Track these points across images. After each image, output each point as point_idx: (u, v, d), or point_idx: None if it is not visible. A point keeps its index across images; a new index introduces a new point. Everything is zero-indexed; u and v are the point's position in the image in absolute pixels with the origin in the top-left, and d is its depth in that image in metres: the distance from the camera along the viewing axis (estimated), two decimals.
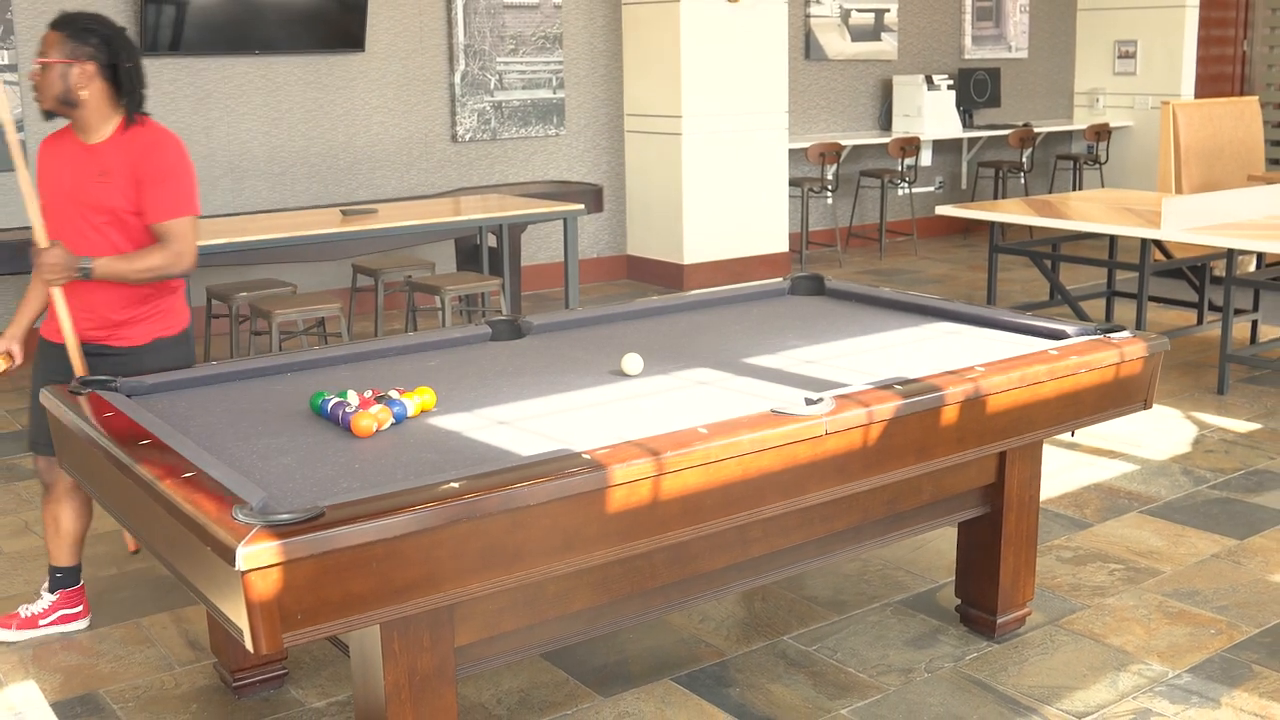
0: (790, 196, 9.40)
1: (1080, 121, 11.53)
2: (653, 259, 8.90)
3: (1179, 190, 7.73)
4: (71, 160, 3.43)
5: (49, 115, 3.47)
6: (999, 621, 3.45)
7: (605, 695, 3.20)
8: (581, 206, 6.65)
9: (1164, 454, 5.02)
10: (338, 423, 2.77)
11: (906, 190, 10.36)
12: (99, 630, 3.62)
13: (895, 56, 10.47)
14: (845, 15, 10.09)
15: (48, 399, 3.00)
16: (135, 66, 3.44)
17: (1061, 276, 6.82)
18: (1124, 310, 7.29)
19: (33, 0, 6.77)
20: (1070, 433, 5.08)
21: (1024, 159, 10.66)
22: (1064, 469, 4.85)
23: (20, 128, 6.76)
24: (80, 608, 3.66)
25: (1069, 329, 3.42)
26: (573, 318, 3.80)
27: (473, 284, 6.04)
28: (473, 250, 7.26)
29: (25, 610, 3.61)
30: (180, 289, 3.62)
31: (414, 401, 2.84)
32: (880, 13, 10.30)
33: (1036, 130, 10.64)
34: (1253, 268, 6.72)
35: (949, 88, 10.24)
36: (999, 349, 3.33)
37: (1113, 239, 6.68)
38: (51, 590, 3.63)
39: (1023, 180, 10.91)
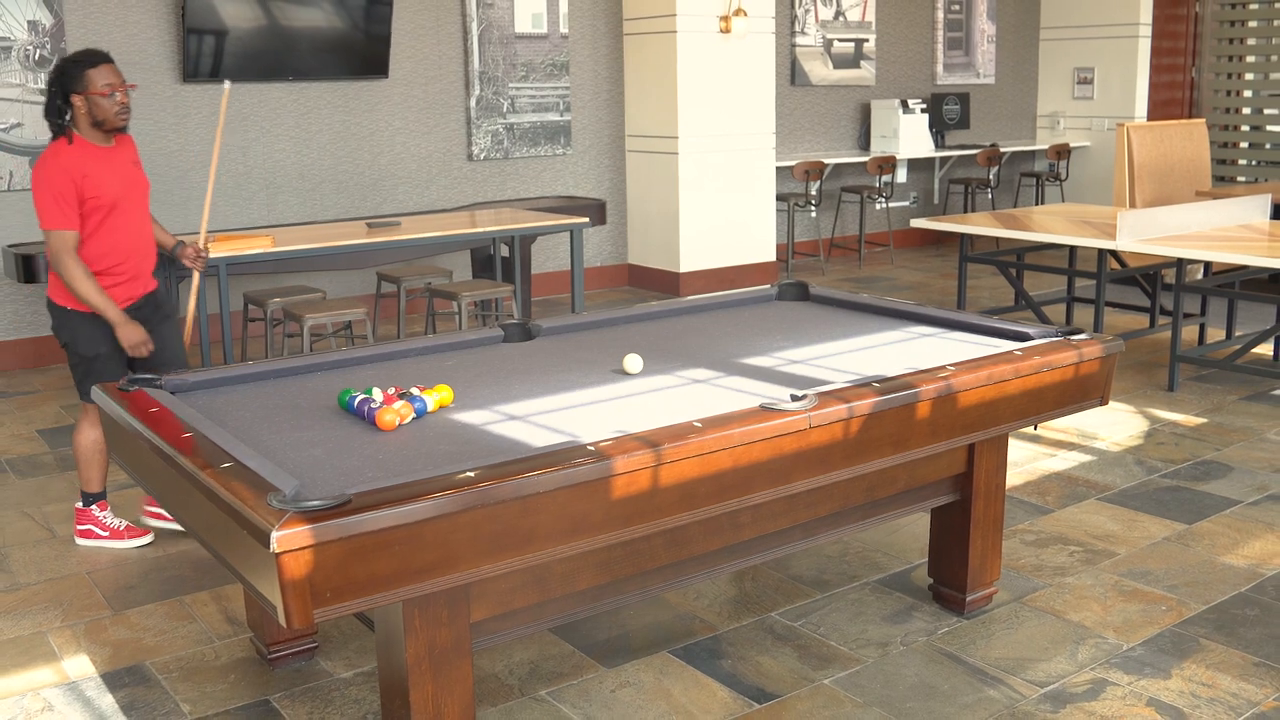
0: (777, 210, 9.40)
1: (1042, 142, 11.53)
2: (651, 267, 8.90)
3: (1133, 205, 7.73)
4: (110, 163, 3.84)
5: (121, 131, 3.90)
6: (968, 599, 3.45)
7: (608, 666, 3.19)
8: (586, 219, 6.65)
9: (1119, 446, 5.02)
10: (363, 417, 2.77)
11: (884, 205, 10.35)
12: (145, 607, 3.62)
13: (873, 82, 10.46)
14: (828, 44, 10.08)
15: (99, 395, 3.00)
16: None
17: (1025, 284, 6.82)
18: (1083, 314, 7.29)
19: (86, 33, 6.76)
20: (1034, 426, 5.09)
21: (991, 176, 10.65)
22: (1028, 459, 4.85)
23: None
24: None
25: (1032, 331, 3.42)
26: (578, 321, 3.79)
27: (487, 290, 6.04)
28: (487, 259, 7.26)
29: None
30: None
31: (433, 398, 2.84)
32: (860, 42, 10.30)
33: (1002, 150, 10.64)
34: (1200, 276, 6.72)
35: (922, 111, 10.24)
36: (968, 350, 3.33)
37: (1072, 249, 6.68)
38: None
39: (990, 196, 10.90)
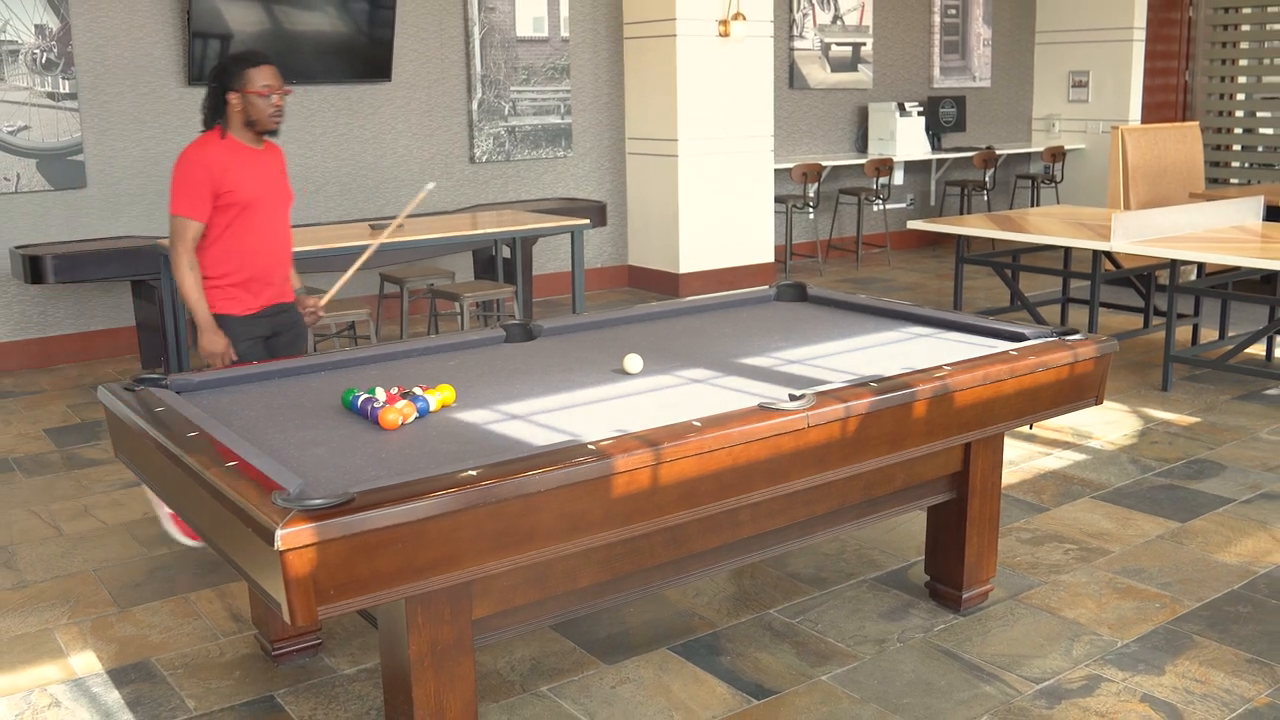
0: (775, 212, 9.39)
1: (1038, 144, 11.52)
2: (651, 268, 8.90)
3: (1127, 206, 7.73)
4: (256, 164, 3.82)
5: (273, 134, 3.89)
6: (964, 596, 3.45)
7: (609, 663, 3.19)
8: (587, 221, 6.64)
9: (1114, 445, 5.02)
10: (366, 416, 2.77)
11: (881, 207, 10.35)
12: (150, 605, 3.62)
13: (870, 86, 10.46)
14: (825, 48, 10.08)
15: (105, 395, 3.00)
16: None
17: (1021, 285, 6.82)
18: (1077, 315, 7.29)
19: (92, 36, 6.77)
20: (1029, 426, 5.09)
21: (987, 178, 10.65)
22: (1023, 458, 4.85)
23: (79, 150, 6.77)
24: None
25: (1027, 332, 3.42)
26: (579, 322, 3.79)
27: (489, 291, 6.04)
28: (489, 261, 7.26)
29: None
30: None
31: (436, 397, 2.84)
32: (857, 46, 10.30)
33: (998, 152, 10.64)
34: (1194, 277, 6.71)
35: (919, 114, 10.24)
36: (964, 350, 3.33)
37: (1067, 250, 6.68)
38: None
39: (986, 198, 10.90)
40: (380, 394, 2.81)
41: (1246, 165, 11.42)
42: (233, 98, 3.73)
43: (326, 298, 4.19)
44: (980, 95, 11.31)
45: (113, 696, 3.07)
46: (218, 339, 3.72)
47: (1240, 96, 11.43)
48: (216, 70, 3.76)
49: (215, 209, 3.70)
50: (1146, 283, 6.65)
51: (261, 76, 3.72)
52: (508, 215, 7.07)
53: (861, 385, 2.86)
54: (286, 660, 3.22)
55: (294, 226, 6.97)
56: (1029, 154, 11.49)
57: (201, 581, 3.77)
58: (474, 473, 2.27)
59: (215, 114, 3.76)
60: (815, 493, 2.98)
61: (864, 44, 10.33)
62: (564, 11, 8.51)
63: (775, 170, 9.22)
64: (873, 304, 3.96)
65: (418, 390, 2.84)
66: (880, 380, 2.91)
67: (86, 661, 3.27)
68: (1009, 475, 4.60)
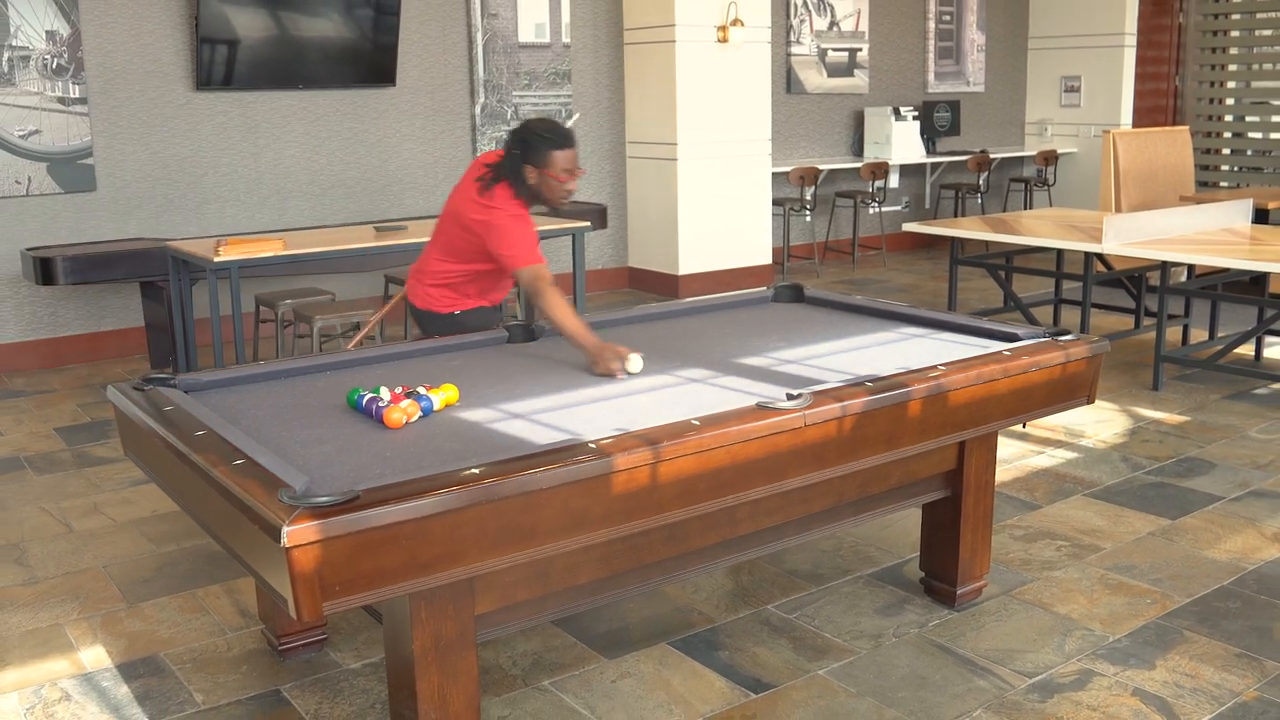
0: (773, 214, 9.39)
1: (1031, 148, 11.53)
2: (651, 270, 8.90)
3: (1118, 209, 7.73)
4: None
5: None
6: (958, 592, 3.45)
7: (609, 657, 3.19)
8: (588, 224, 6.65)
9: (1105, 444, 5.02)
10: (371, 416, 2.77)
11: (876, 209, 10.35)
12: (159, 600, 3.62)
13: (866, 90, 10.46)
14: (822, 54, 10.08)
15: (114, 395, 3.00)
16: None
17: (1014, 286, 6.82)
18: (1069, 316, 7.29)
19: (102, 42, 6.76)
20: (1022, 425, 5.09)
21: (981, 181, 10.65)
22: (1016, 457, 4.85)
23: (89, 154, 6.76)
24: None
25: (1020, 332, 3.42)
26: None
27: None
28: None
29: None
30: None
31: (439, 397, 2.84)
32: (853, 51, 10.30)
33: (992, 156, 10.64)
34: (1184, 278, 6.71)
35: (914, 118, 10.24)
36: (958, 350, 3.33)
37: (1060, 252, 6.68)
38: None
39: (979, 200, 10.90)
40: (385, 393, 2.81)
41: (1235, 169, 11.42)
42: (530, 171, 3.68)
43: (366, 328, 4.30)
44: (974, 100, 11.31)
45: (122, 690, 3.07)
46: (605, 349, 3.25)
47: (1229, 101, 11.43)
48: (521, 140, 3.69)
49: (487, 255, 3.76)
50: (1137, 284, 6.65)
51: (564, 160, 3.68)
52: None
53: (857, 385, 2.86)
54: (293, 655, 3.22)
55: (299, 229, 7.00)
56: (1022, 157, 11.49)
57: (209, 577, 3.77)
58: (477, 471, 2.27)
59: (511, 174, 3.70)
60: (812, 490, 2.98)
61: (860, 49, 10.32)
62: (565, 18, 8.51)
63: (773, 173, 9.22)
64: (869, 305, 3.96)
65: (422, 390, 2.84)
66: (876, 380, 2.90)
67: (96, 656, 3.27)
68: (1002, 473, 4.60)
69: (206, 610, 3.55)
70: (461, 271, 3.87)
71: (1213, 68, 11.45)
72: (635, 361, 3.17)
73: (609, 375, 3.16)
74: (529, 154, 3.68)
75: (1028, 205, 11.22)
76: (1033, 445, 5.00)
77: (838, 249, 10.32)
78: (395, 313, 4.48)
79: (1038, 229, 6.36)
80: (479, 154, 8.19)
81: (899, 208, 10.84)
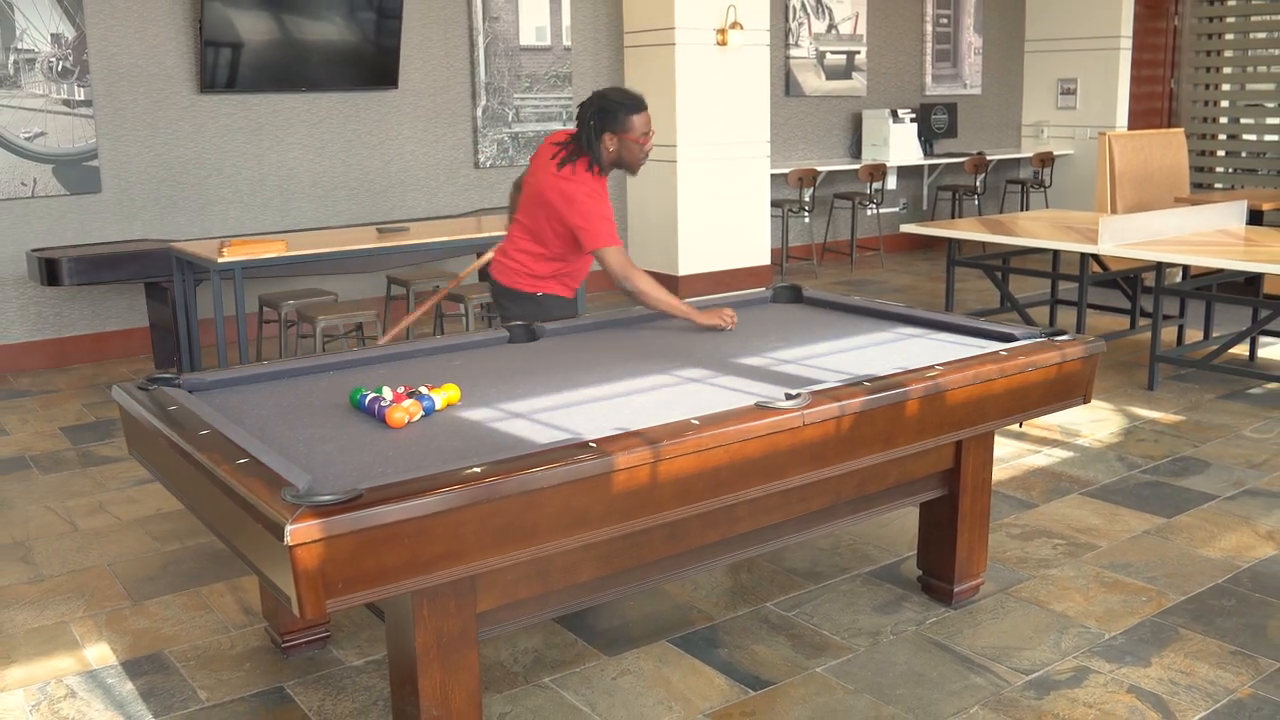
0: (772, 216, 9.39)
1: (1027, 150, 11.53)
2: (651, 271, 8.90)
3: (1114, 210, 7.73)
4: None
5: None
6: (956, 590, 3.45)
7: (610, 655, 3.19)
8: None
9: (1101, 443, 5.02)
10: (374, 415, 2.77)
11: (874, 211, 10.35)
12: (164, 598, 3.62)
13: (864, 93, 10.47)
14: (820, 57, 10.08)
15: (119, 394, 3.00)
16: None
17: (1010, 287, 6.82)
18: (1065, 316, 7.29)
19: (107, 45, 6.77)
20: (1019, 424, 5.09)
21: (978, 183, 10.65)
22: (1013, 456, 4.85)
23: (94, 155, 6.75)
24: None
25: (1017, 332, 3.42)
26: (580, 323, 3.79)
27: None
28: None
29: None
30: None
31: (441, 396, 2.84)
32: (851, 54, 10.30)
33: (989, 158, 10.64)
34: (1179, 279, 6.72)
35: (911, 120, 10.24)
36: (955, 350, 3.33)
37: (1056, 253, 6.68)
38: None
39: (976, 202, 10.90)
40: (387, 393, 2.81)
41: (1230, 170, 11.42)
42: (609, 139, 3.71)
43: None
44: (971, 102, 11.31)
45: (127, 688, 3.08)
46: (711, 314, 3.68)
47: (1224, 103, 11.43)
48: (597, 110, 3.72)
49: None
50: (1133, 285, 6.65)
51: (641, 123, 3.72)
52: None
53: (855, 385, 2.86)
54: (296, 652, 3.22)
55: (302, 230, 7.00)
56: (1019, 159, 11.49)
57: (213, 576, 3.77)
58: (478, 470, 2.27)
59: (589, 149, 3.74)
60: (810, 489, 2.98)
61: (858, 52, 10.33)
62: (566, 21, 8.52)
63: (771, 175, 9.23)
64: (866, 305, 3.96)
65: (424, 389, 2.84)
66: (874, 380, 2.91)
67: (101, 653, 3.27)
68: (999, 472, 4.61)
69: (210, 608, 3.55)
70: (544, 254, 3.91)
71: (1207, 70, 11.46)
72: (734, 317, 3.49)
73: (718, 328, 3.62)
74: (607, 122, 3.71)
75: (1024, 207, 11.22)
76: (1029, 444, 5.00)
77: (836, 250, 10.32)
78: (426, 314, 4.55)
79: (1034, 230, 6.36)
80: (478, 153, 8.19)
81: (897, 209, 10.84)
